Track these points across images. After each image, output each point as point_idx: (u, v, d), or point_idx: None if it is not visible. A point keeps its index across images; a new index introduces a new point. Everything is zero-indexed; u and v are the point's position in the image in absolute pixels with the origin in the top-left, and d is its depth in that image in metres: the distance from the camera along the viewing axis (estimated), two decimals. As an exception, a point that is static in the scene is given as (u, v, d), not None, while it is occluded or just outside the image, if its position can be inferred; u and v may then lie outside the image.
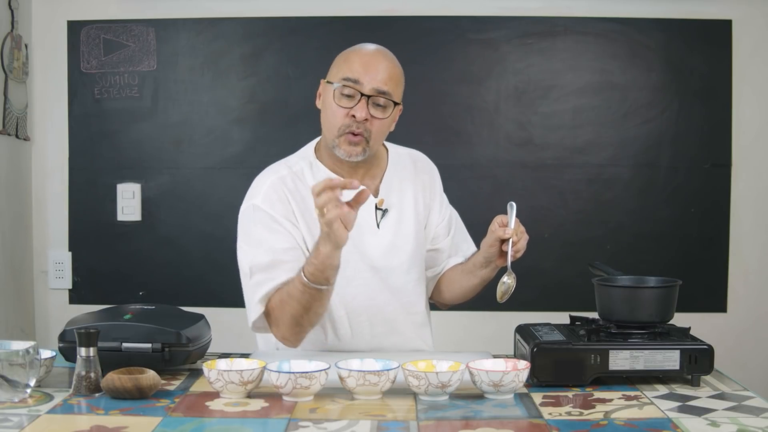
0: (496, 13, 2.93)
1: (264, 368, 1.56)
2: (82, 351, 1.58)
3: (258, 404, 1.53)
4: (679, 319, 1.78)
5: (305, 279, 1.74)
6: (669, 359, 1.65)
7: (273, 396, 1.56)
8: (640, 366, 1.65)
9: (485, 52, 2.94)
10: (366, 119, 1.86)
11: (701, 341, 1.69)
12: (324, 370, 1.55)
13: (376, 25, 2.89)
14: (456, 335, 2.76)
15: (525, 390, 1.62)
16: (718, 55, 2.93)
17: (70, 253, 2.98)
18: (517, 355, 1.79)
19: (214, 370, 1.56)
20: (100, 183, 2.97)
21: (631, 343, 1.67)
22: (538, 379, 1.64)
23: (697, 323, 1.96)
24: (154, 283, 2.97)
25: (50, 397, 1.55)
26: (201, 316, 1.84)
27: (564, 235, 2.96)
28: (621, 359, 1.65)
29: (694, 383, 1.65)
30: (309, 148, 2.02)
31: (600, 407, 1.51)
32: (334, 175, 1.93)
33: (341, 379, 1.56)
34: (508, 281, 1.86)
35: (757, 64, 2.94)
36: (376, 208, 1.97)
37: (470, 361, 1.61)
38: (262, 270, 1.85)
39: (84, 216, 2.98)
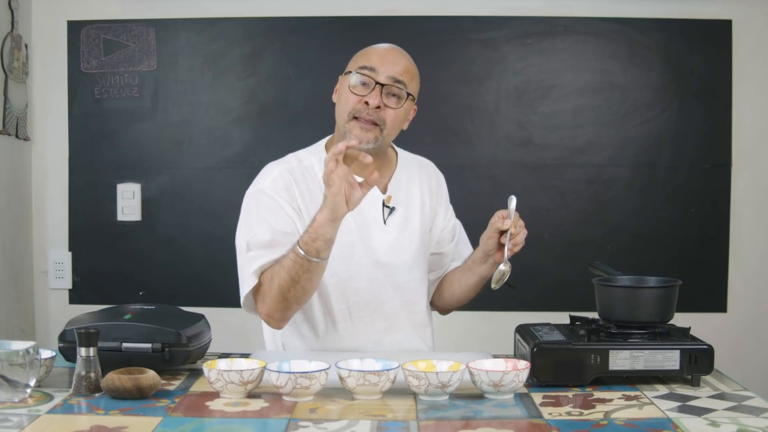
0: (496, 13, 2.93)
1: (264, 368, 1.56)
2: (82, 351, 1.58)
3: (258, 404, 1.53)
4: (679, 319, 1.78)
5: (298, 248, 1.76)
6: (669, 359, 1.65)
7: (273, 396, 1.56)
8: (640, 366, 1.65)
9: (485, 52, 2.94)
10: (378, 107, 1.88)
11: (701, 341, 1.69)
12: (324, 370, 1.55)
13: (376, 25, 2.89)
14: (456, 335, 2.76)
15: (525, 390, 1.62)
16: (718, 55, 2.93)
17: (70, 253, 2.98)
18: (517, 355, 1.79)
19: (214, 370, 1.56)
20: (100, 183, 2.97)
21: (631, 343, 1.67)
22: (538, 379, 1.64)
23: (697, 323, 1.96)
24: (154, 283, 2.97)
25: (50, 397, 1.55)
26: (201, 316, 1.84)
27: (564, 235, 2.96)
28: (621, 359, 1.65)
29: (694, 383, 1.65)
30: (320, 145, 2.04)
31: (600, 407, 1.51)
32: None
33: (341, 379, 1.56)
34: (503, 268, 1.87)
35: (757, 64, 2.94)
36: (384, 205, 1.99)
37: (470, 361, 1.61)
38: (259, 247, 1.87)
39: (84, 216, 2.98)
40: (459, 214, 2.19)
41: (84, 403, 1.53)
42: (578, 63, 2.94)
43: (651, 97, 2.94)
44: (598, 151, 2.95)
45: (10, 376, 1.50)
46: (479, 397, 1.57)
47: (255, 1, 2.95)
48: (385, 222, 1.99)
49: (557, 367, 1.65)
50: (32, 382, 1.53)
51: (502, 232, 1.87)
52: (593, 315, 1.82)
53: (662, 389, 1.63)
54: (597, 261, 1.97)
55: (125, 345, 1.69)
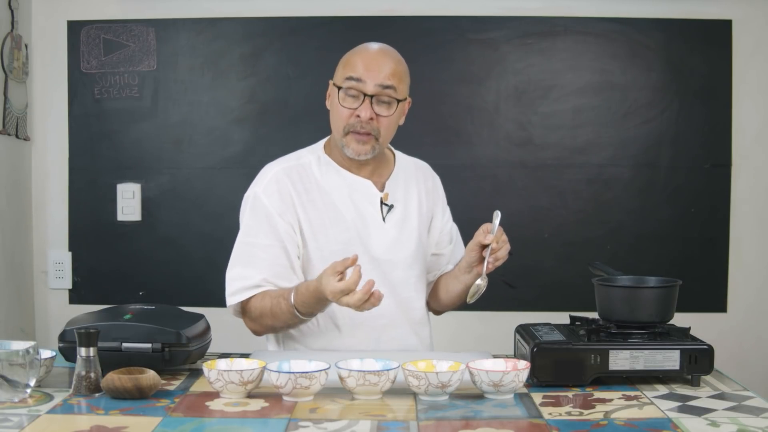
0: (496, 13, 2.93)
1: (264, 368, 1.56)
2: (82, 351, 1.58)
3: (258, 404, 1.53)
4: (679, 319, 1.78)
5: (295, 309, 1.84)
6: (669, 359, 1.65)
7: (273, 396, 1.56)
8: (640, 366, 1.65)
9: (485, 52, 2.94)
10: (371, 118, 1.89)
11: (701, 341, 1.69)
12: (324, 370, 1.55)
13: (376, 25, 2.89)
14: (455, 335, 2.76)
15: (525, 390, 1.62)
16: (718, 55, 2.93)
17: (70, 253, 2.98)
18: (517, 355, 1.79)
19: (214, 370, 1.56)
20: (100, 183, 2.97)
21: (631, 343, 1.67)
22: (538, 379, 1.64)
23: (697, 323, 1.96)
24: (154, 283, 2.97)
25: (50, 397, 1.55)
26: (201, 316, 1.85)
27: (564, 235, 2.96)
28: (621, 359, 1.65)
29: (694, 383, 1.65)
30: (319, 144, 2.06)
31: (600, 407, 1.51)
32: (342, 171, 1.99)
33: (341, 379, 1.56)
34: (479, 283, 1.88)
35: (757, 64, 2.93)
36: (382, 202, 1.99)
37: (470, 361, 1.61)
38: (240, 263, 1.94)
39: (84, 216, 2.98)
40: (459, 214, 2.19)
41: (84, 403, 1.53)
42: (578, 63, 2.94)
43: (651, 97, 2.94)
44: (598, 151, 2.95)
45: (10, 376, 1.50)
46: (479, 397, 1.57)
47: (255, 1, 2.95)
48: (384, 219, 1.99)
49: (557, 367, 1.65)
50: (32, 382, 1.53)
51: (485, 246, 1.87)
52: (593, 315, 1.82)
53: (662, 389, 1.63)
54: (597, 261, 1.97)
55: (125, 345, 1.69)
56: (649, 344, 1.66)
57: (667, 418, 1.45)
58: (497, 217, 1.88)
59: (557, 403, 1.54)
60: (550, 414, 1.47)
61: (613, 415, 1.46)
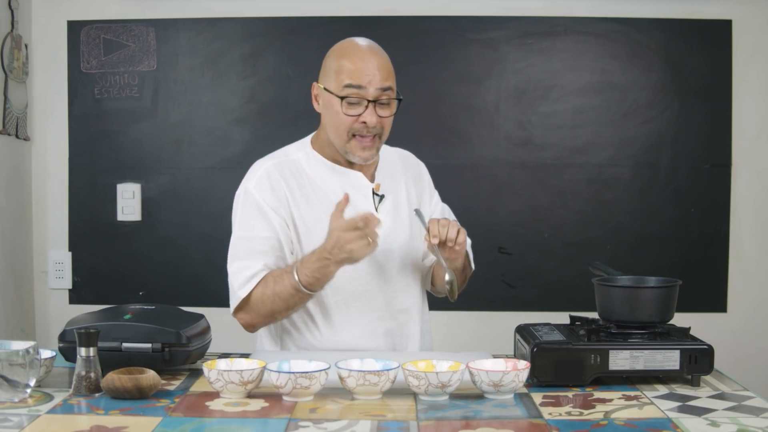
0: (496, 13, 2.93)
1: (264, 368, 1.56)
2: (82, 351, 1.58)
3: (258, 404, 1.53)
4: (679, 319, 1.78)
5: (301, 285, 1.83)
6: (669, 359, 1.65)
7: (273, 396, 1.56)
8: (640, 366, 1.65)
9: (485, 52, 2.94)
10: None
11: (701, 341, 1.69)
12: (324, 370, 1.55)
13: (376, 25, 2.89)
14: (456, 335, 2.76)
15: (525, 390, 1.62)
16: (718, 55, 2.93)
17: (70, 253, 2.98)
18: (517, 355, 1.79)
19: (214, 370, 1.56)
20: (100, 183, 2.97)
21: (631, 343, 1.67)
22: (538, 379, 1.64)
23: (697, 323, 1.96)
24: (154, 283, 2.96)
25: (50, 397, 1.55)
26: (201, 316, 1.85)
27: (564, 235, 2.96)
28: (621, 359, 1.65)
29: (694, 383, 1.65)
30: (305, 141, 2.06)
31: (600, 407, 1.51)
32: (332, 164, 2.00)
33: (341, 379, 1.56)
34: (447, 278, 1.87)
35: (757, 64, 2.93)
36: (374, 193, 2.00)
37: (470, 361, 1.61)
38: (239, 257, 1.93)
39: (84, 216, 2.98)
40: (459, 214, 2.19)
41: (84, 403, 1.53)
42: (578, 63, 2.94)
43: (651, 97, 2.94)
44: (598, 151, 2.95)
45: (10, 376, 1.50)
46: (479, 397, 1.57)
47: (255, 1, 2.94)
48: (376, 210, 2.00)
49: (557, 367, 1.65)
50: (32, 382, 1.53)
51: (441, 244, 1.85)
52: (593, 315, 1.82)
53: (662, 389, 1.63)
54: (597, 261, 1.97)
55: (125, 345, 1.69)
56: (649, 344, 1.66)
57: (667, 418, 1.45)
58: (419, 214, 1.91)
59: (557, 403, 1.54)
60: (550, 414, 1.47)
61: (613, 415, 1.46)
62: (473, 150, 2.95)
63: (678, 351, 1.65)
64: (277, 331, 2.02)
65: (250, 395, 1.57)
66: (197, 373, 1.74)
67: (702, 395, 1.59)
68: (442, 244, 1.84)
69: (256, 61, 2.95)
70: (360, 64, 1.89)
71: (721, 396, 1.59)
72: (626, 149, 2.95)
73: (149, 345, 1.69)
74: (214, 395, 1.57)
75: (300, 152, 2.02)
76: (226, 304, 1.97)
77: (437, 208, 2.14)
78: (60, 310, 2.93)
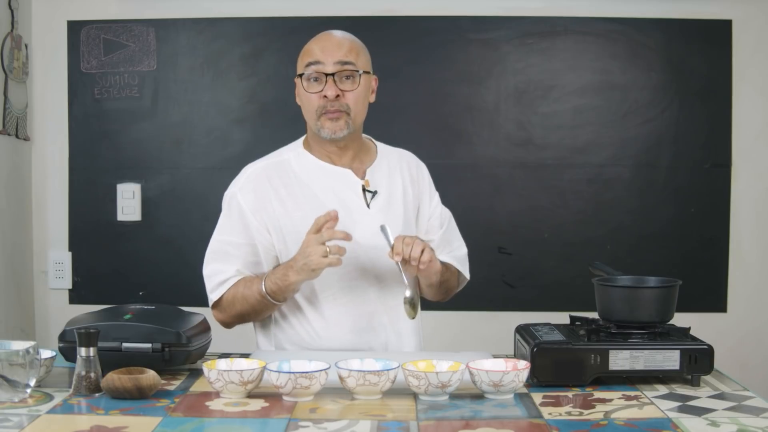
0: (496, 13, 2.93)
1: (264, 368, 1.56)
2: (82, 351, 1.58)
3: (258, 404, 1.53)
4: (679, 319, 1.78)
5: (265, 293, 1.90)
6: (669, 359, 1.65)
7: (273, 396, 1.56)
8: (640, 366, 1.65)
9: (485, 52, 2.94)
10: (337, 95, 1.94)
11: (701, 341, 1.69)
12: (324, 370, 1.55)
13: (376, 25, 2.89)
14: (456, 335, 2.76)
15: (525, 390, 1.62)
16: (718, 55, 2.93)
17: (70, 253, 2.98)
18: (517, 355, 1.79)
19: (214, 370, 1.56)
20: (100, 183, 2.97)
21: (631, 343, 1.67)
22: (538, 379, 1.64)
23: (697, 323, 1.96)
24: (154, 283, 2.97)
25: (50, 397, 1.55)
26: (201, 316, 1.85)
27: (564, 235, 2.96)
28: (621, 359, 1.65)
29: (694, 383, 1.65)
30: (298, 142, 2.10)
31: (600, 407, 1.51)
32: (321, 162, 2.02)
33: (341, 379, 1.56)
34: (407, 295, 1.87)
35: (757, 64, 2.94)
36: (364, 189, 2.00)
37: (470, 361, 1.61)
38: (214, 259, 2.00)
39: (84, 216, 2.98)
40: (459, 214, 2.19)
41: (84, 403, 1.53)
42: (578, 63, 2.94)
43: (651, 97, 2.94)
44: (598, 151, 2.95)
45: (10, 376, 1.50)
46: (479, 397, 1.57)
47: (255, 1, 2.94)
48: (368, 206, 2.00)
49: (557, 367, 1.65)
50: (32, 382, 1.53)
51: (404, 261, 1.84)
52: (593, 315, 1.82)
53: (662, 389, 1.63)
54: (597, 261, 1.97)
55: (125, 345, 1.69)
56: (649, 344, 1.66)
57: (667, 418, 1.45)
58: (384, 230, 1.89)
59: (557, 403, 1.54)
60: (550, 414, 1.47)
61: (613, 415, 1.46)
62: (473, 150, 2.95)
63: (678, 351, 1.65)
64: (270, 327, 2.03)
65: (250, 395, 1.57)
66: (197, 373, 1.74)
67: (702, 395, 1.59)
68: (406, 261, 1.83)
69: (256, 61, 2.95)
70: (321, 44, 1.97)
71: (721, 396, 1.59)
72: (626, 149, 2.95)
73: (149, 345, 1.69)
74: (214, 395, 1.57)
75: (291, 152, 2.06)
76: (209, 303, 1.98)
77: (436, 211, 2.13)
78: (60, 310, 2.93)
